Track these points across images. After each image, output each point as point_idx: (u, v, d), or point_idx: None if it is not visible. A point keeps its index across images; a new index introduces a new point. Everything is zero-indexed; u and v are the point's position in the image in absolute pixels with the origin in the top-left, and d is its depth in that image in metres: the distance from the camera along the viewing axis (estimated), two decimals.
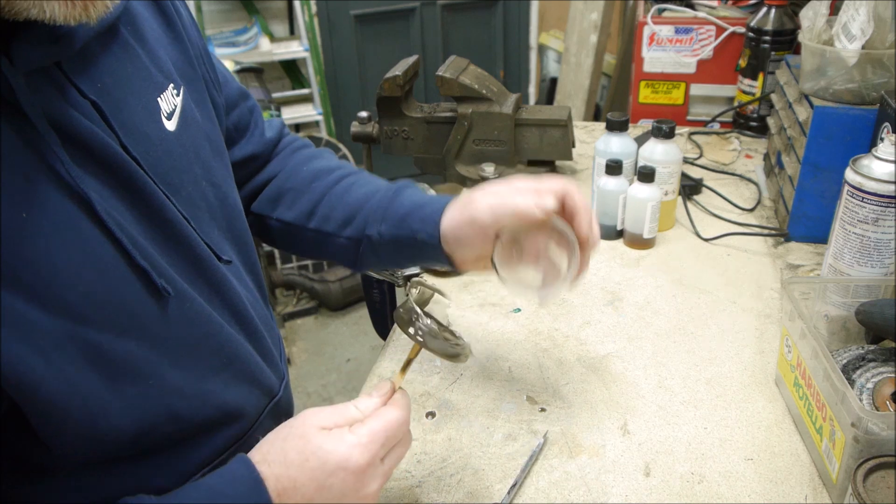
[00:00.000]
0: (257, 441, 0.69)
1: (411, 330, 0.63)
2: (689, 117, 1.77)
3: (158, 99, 0.62)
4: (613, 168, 1.16)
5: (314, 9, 3.10)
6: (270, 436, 0.60)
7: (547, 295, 0.74)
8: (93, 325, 0.52)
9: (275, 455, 0.56)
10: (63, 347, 0.50)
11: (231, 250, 0.71)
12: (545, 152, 1.38)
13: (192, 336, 0.61)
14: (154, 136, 0.60)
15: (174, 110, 0.64)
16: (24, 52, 0.47)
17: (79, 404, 0.51)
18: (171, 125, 0.63)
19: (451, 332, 0.66)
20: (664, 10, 1.72)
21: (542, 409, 0.86)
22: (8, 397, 0.49)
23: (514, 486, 0.74)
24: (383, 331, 1.31)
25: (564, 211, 0.72)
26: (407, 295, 0.66)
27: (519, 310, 1.04)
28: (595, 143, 1.25)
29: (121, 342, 0.54)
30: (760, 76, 1.52)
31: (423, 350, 0.64)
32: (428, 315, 0.64)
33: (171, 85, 0.65)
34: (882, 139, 0.86)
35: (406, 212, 0.78)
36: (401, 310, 0.64)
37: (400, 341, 0.99)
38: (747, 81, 1.56)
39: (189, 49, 0.70)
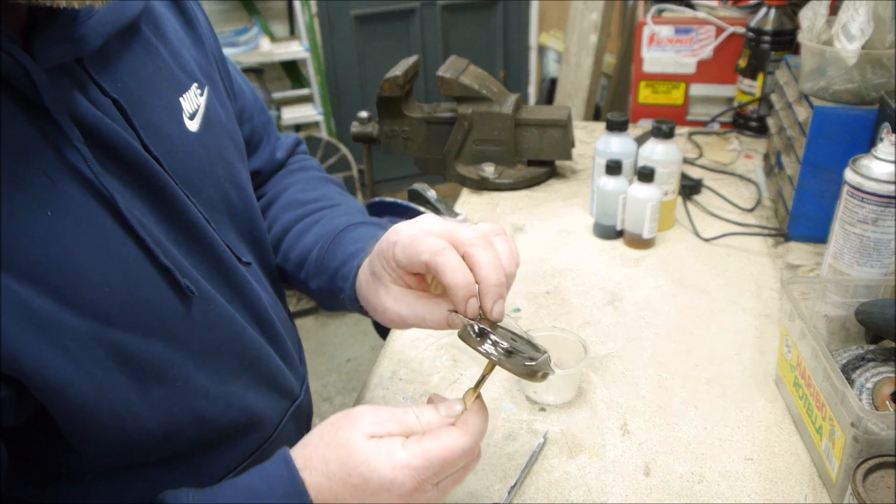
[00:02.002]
0: (280, 447, 0.69)
1: (484, 348, 0.54)
2: (688, 117, 1.77)
3: (180, 99, 0.61)
4: (613, 168, 1.16)
5: (314, 9, 3.10)
6: (314, 436, 0.55)
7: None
8: (119, 325, 0.51)
9: (316, 462, 0.52)
10: (91, 349, 0.49)
11: (250, 253, 0.71)
12: (545, 152, 1.39)
13: (216, 338, 0.60)
14: (175, 137, 0.60)
15: (197, 110, 0.63)
16: (45, 48, 0.47)
17: (107, 407, 0.51)
18: (193, 125, 0.62)
19: (530, 343, 0.57)
20: (664, 10, 1.72)
21: (542, 409, 0.86)
22: (34, 400, 0.48)
23: (514, 486, 0.74)
24: (383, 331, 1.31)
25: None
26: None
27: (518, 310, 1.04)
28: (595, 143, 1.25)
29: (147, 343, 0.53)
30: (760, 76, 1.52)
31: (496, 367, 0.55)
32: (500, 327, 0.56)
33: (195, 84, 0.64)
34: (882, 139, 0.86)
35: (336, 266, 0.71)
36: (469, 327, 0.55)
37: (402, 340, 0.99)
38: (747, 81, 1.56)
39: (208, 53, 0.70)
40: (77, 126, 0.49)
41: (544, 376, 0.55)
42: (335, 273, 0.71)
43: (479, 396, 0.55)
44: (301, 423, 0.76)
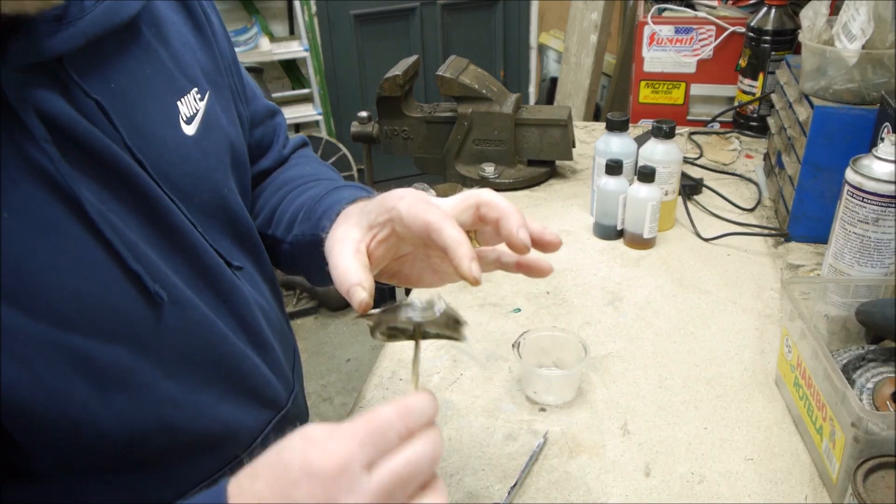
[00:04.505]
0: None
1: (401, 324, 0.53)
2: (689, 117, 1.77)
3: (178, 102, 0.61)
4: (613, 168, 1.16)
5: (314, 9, 3.11)
6: None
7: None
8: (79, 330, 0.50)
9: (246, 471, 0.46)
10: (44, 353, 0.48)
11: (246, 258, 0.70)
12: (545, 152, 1.38)
13: (189, 345, 0.59)
14: (170, 140, 0.59)
15: (195, 115, 0.63)
16: (19, 47, 0.46)
17: (60, 411, 0.50)
18: (190, 129, 0.62)
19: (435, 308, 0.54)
20: (664, 10, 1.72)
21: (542, 409, 0.86)
22: None
23: (514, 486, 0.74)
24: None
25: (485, 221, 0.58)
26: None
27: (519, 310, 1.04)
28: (595, 143, 1.25)
29: (110, 349, 0.52)
30: (760, 76, 1.52)
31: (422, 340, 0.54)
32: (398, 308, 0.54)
33: (195, 89, 0.63)
34: (882, 139, 0.86)
35: (325, 209, 0.68)
36: (379, 329, 0.54)
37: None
38: (747, 81, 1.56)
39: (218, 58, 0.69)
40: (49, 126, 0.48)
41: (458, 324, 0.54)
42: (322, 215, 0.67)
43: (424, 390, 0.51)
44: (286, 433, 0.74)
